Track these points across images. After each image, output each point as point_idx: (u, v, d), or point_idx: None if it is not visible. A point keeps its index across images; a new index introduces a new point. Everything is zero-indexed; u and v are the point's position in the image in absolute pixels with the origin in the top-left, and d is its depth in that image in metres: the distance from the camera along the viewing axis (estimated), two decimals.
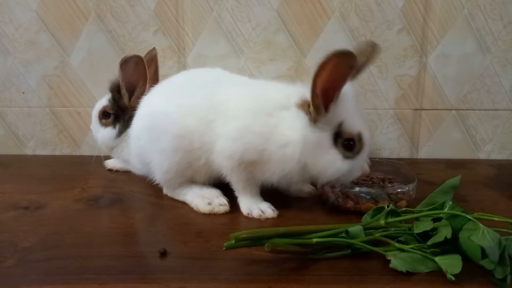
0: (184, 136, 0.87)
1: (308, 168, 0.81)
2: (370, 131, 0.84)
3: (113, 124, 1.12)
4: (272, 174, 0.84)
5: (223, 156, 0.85)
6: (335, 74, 0.74)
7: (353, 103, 0.82)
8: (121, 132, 1.11)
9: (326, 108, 0.78)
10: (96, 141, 1.15)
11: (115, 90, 1.10)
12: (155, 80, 1.13)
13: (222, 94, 0.87)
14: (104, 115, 1.13)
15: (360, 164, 0.83)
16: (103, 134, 1.13)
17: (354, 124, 0.80)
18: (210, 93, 0.88)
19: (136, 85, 1.09)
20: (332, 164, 0.80)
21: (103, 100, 1.13)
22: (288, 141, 0.80)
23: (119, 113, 1.11)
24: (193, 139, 0.87)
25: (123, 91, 1.09)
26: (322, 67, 0.73)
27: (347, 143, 0.80)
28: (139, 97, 1.06)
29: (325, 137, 0.80)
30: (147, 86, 1.08)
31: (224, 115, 0.85)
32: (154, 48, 1.15)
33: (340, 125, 0.79)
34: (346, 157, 0.80)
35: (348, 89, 0.79)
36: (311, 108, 0.78)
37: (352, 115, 0.81)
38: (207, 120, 0.86)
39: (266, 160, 0.82)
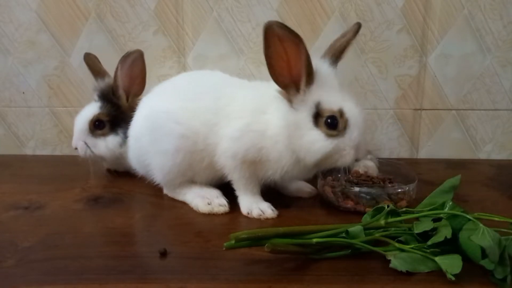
0: (188, 136, 0.87)
1: (299, 156, 0.82)
2: (359, 109, 0.81)
3: (113, 130, 1.07)
4: (274, 172, 0.85)
5: (226, 156, 0.86)
6: (280, 50, 0.76)
7: (332, 83, 0.82)
8: (127, 136, 1.03)
9: (298, 87, 0.80)
10: (98, 155, 1.07)
11: (110, 93, 1.07)
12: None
13: (225, 98, 0.88)
14: (96, 125, 1.06)
15: (352, 143, 0.80)
16: (106, 145, 1.06)
17: (334, 101, 0.80)
18: (214, 97, 0.89)
19: (134, 83, 1.07)
20: (314, 143, 0.79)
21: (88, 112, 1.07)
22: (276, 132, 0.82)
23: (118, 117, 1.07)
24: (197, 140, 0.87)
25: (121, 91, 1.07)
26: (264, 45, 0.75)
27: (328, 121, 0.79)
28: (137, 95, 1.06)
29: (304, 118, 0.80)
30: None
31: (227, 118, 0.86)
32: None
33: (317, 105, 0.80)
34: (330, 135, 0.79)
35: (323, 69, 0.81)
36: (279, 89, 0.81)
37: (331, 94, 0.81)
38: (211, 123, 0.87)
39: (265, 159, 0.84)
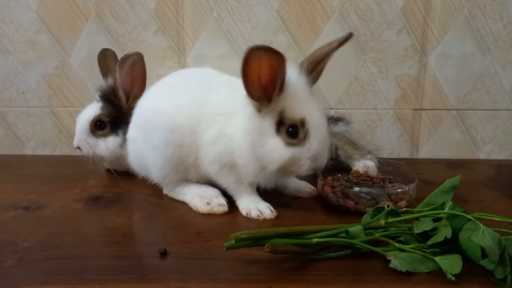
0: (176, 130, 0.87)
1: (262, 163, 0.81)
2: (322, 121, 0.81)
3: (113, 131, 1.07)
4: (255, 175, 0.84)
5: (207, 163, 0.87)
6: (255, 66, 0.74)
7: (301, 92, 0.80)
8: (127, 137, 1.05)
9: (270, 99, 0.78)
10: (98, 155, 1.07)
11: (111, 95, 1.08)
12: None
13: (208, 95, 0.88)
14: (97, 126, 1.07)
15: (310, 153, 0.79)
16: (106, 145, 1.07)
17: (299, 110, 0.79)
18: (198, 92, 0.89)
19: (134, 85, 1.07)
20: (273, 151, 0.79)
21: (89, 113, 1.08)
22: (241, 136, 0.81)
23: (119, 118, 1.07)
24: (184, 135, 0.87)
25: (121, 93, 1.07)
26: (243, 63, 0.73)
27: (290, 129, 0.78)
28: (137, 97, 1.05)
29: (268, 125, 0.79)
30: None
31: (208, 119, 0.86)
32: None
33: (281, 113, 0.78)
34: (289, 144, 0.78)
35: (295, 78, 0.80)
36: (251, 99, 0.79)
37: (298, 103, 0.79)
38: (194, 119, 0.87)
39: (237, 163, 0.84)
